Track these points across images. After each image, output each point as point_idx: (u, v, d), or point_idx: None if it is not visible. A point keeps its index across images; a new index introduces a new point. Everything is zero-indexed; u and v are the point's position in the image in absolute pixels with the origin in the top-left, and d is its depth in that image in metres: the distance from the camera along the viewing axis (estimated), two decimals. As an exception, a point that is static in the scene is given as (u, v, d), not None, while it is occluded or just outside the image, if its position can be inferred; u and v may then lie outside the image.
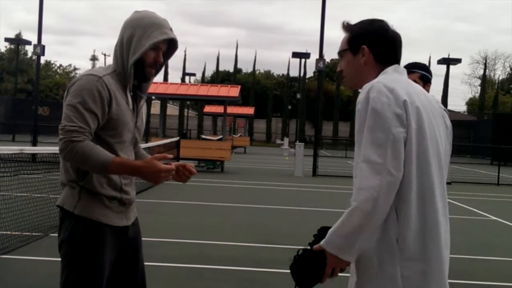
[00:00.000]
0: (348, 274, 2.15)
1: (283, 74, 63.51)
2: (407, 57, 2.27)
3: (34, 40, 18.84)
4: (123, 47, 2.47)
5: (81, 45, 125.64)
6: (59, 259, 2.49)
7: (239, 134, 41.47)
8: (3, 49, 63.81)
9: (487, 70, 59.31)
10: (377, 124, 1.93)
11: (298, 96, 51.28)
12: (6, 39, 39.01)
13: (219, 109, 32.55)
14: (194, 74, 56.75)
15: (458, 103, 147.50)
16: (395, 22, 2.26)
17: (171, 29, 2.52)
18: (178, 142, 17.14)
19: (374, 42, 2.16)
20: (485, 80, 55.49)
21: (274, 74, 68.06)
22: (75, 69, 72.23)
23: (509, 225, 10.07)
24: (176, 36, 2.54)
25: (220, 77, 56.99)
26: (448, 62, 37.18)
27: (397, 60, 2.19)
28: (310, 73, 60.88)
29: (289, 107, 55.05)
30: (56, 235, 2.53)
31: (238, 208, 10.41)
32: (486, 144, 34.24)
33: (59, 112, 2.43)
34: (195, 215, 9.40)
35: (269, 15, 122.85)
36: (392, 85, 2.00)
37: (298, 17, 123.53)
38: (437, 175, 2.07)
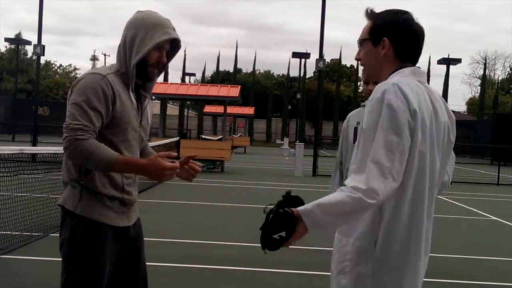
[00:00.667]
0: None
1: (283, 74, 63.52)
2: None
3: (34, 40, 18.86)
4: (126, 47, 2.48)
5: (81, 45, 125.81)
6: (59, 259, 2.50)
7: (239, 134, 41.46)
8: (3, 49, 63.83)
9: (487, 70, 59.39)
10: (391, 127, 1.92)
11: (298, 96, 51.30)
12: (6, 39, 39.11)
13: (219, 109, 32.55)
14: (194, 74, 56.85)
15: (458, 103, 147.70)
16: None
17: (174, 29, 2.53)
18: (178, 142, 17.14)
19: (396, 36, 2.10)
20: (485, 80, 55.48)
21: (274, 74, 68.07)
22: (75, 69, 72.24)
23: (509, 225, 10.06)
24: (179, 35, 2.55)
25: (220, 77, 56.97)
26: (448, 62, 37.22)
27: (417, 56, 2.15)
28: (310, 73, 60.92)
29: (289, 107, 55.04)
30: (56, 235, 2.54)
31: (238, 208, 10.41)
32: (486, 144, 34.22)
33: (59, 112, 2.42)
34: (195, 215, 9.40)
35: (269, 15, 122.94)
36: (406, 91, 1.97)
37: (298, 17, 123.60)
38: (429, 190, 2.06)
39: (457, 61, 37.64)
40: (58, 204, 2.51)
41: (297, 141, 23.49)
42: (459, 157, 31.38)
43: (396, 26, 2.10)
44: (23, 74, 56.33)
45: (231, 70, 59.95)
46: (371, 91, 3.71)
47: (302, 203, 2.02)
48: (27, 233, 6.71)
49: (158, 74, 2.59)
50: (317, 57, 19.89)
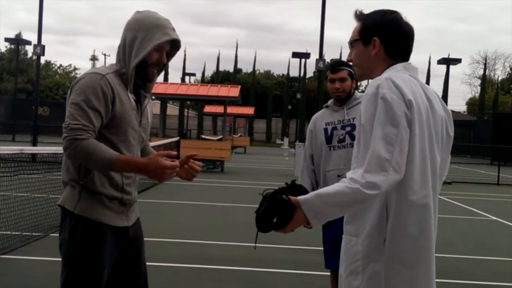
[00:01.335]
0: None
1: (283, 74, 63.52)
2: (407, 56, 2.25)
3: (34, 40, 18.85)
4: (125, 48, 2.48)
5: (81, 45, 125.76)
6: (59, 259, 2.50)
7: (239, 134, 41.48)
8: (3, 49, 63.80)
9: (487, 70, 59.35)
10: (388, 120, 1.94)
11: (298, 96, 51.29)
12: (6, 39, 39.03)
13: (219, 109, 32.58)
14: (194, 74, 56.78)
15: (458, 103, 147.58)
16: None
17: (173, 29, 2.52)
18: (178, 142, 17.14)
19: (386, 35, 2.13)
20: (485, 80, 55.47)
21: (274, 74, 68.05)
22: (75, 69, 72.16)
23: (509, 225, 10.06)
24: (179, 36, 2.54)
25: (220, 77, 56.99)
26: (448, 62, 37.21)
27: (407, 54, 2.17)
28: (310, 73, 60.91)
29: (289, 107, 55.05)
30: (56, 235, 2.54)
31: (238, 208, 10.41)
32: (486, 144, 34.21)
33: (59, 112, 2.42)
34: (195, 215, 9.40)
35: (269, 15, 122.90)
36: (400, 84, 2.00)
37: (298, 17, 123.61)
38: (432, 183, 2.06)
39: (457, 61, 37.61)
40: (57, 204, 2.51)
41: (297, 141, 23.47)
42: (459, 157, 31.39)
43: (385, 26, 2.13)
44: (23, 74, 56.29)
45: (231, 70, 59.95)
46: (337, 88, 3.86)
47: (305, 193, 2.04)
48: (27, 233, 6.71)
49: (158, 74, 2.59)
50: (317, 57, 19.89)
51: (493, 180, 18.88)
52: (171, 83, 21.06)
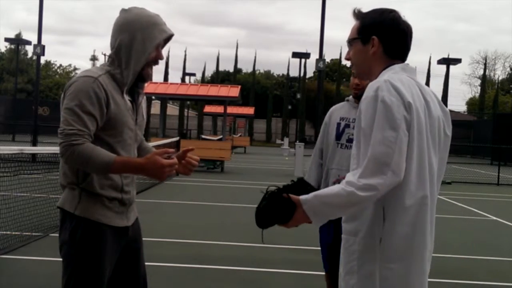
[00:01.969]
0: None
1: (283, 74, 63.51)
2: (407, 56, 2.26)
3: (34, 40, 18.85)
4: (122, 51, 2.43)
5: (81, 45, 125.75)
6: (59, 259, 2.49)
7: (239, 134, 41.46)
8: (3, 49, 63.82)
9: (487, 70, 59.33)
10: (387, 123, 1.94)
11: (298, 96, 51.29)
12: (6, 39, 39.03)
13: (219, 109, 32.54)
14: (194, 74, 56.76)
15: (458, 103, 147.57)
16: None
17: (165, 23, 2.51)
18: (178, 142, 17.14)
19: (384, 34, 2.13)
20: (485, 80, 55.45)
21: (274, 74, 68.06)
22: (75, 69, 72.21)
23: (509, 225, 10.06)
24: (171, 29, 2.53)
25: (220, 77, 56.95)
26: (448, 62, 37.19)
27: (405, 53, 2.17)
28: (310, 73, 60.92)
29: (289, 107, 55.03)
30: (56, 235, 2.53)
31: (238, 208, 10.41)
32: (486, 144, 34.20)
33: (59, 112, 2.42)
34: (195, 215, 9.40)
35: (269, 15, 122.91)
36: (399, 86, 2.00)
37: (298, 17, 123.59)
38: (430, 184, 2.07)
39: (457, 61, 37.58)
40: (57, 206, 2.50)
41: (297, 141, 23.47)
42: (459, 157, 31.33)
43: (384, 25, 2.13)
44: (23, 74, 56.31)
45: (231, 70, 59.92)
46: (357, 84, 3.70)
47: (312, 191, 2.07)
48: (27, 233, 6.71)
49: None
50: (317, 57, 19.89)
51: (493, 180, 18.87)
52: (171, 83, 21.06)
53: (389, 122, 1.94)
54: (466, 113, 59.63)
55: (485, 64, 57.58)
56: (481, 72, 58.84)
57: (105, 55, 63.51)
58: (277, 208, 2.03)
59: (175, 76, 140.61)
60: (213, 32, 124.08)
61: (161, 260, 5.95)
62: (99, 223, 2.41)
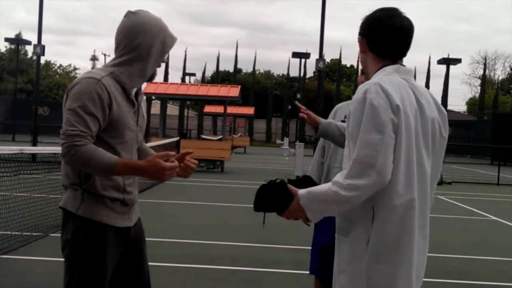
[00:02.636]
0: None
1: (283, 74, 63.51)
2: (407, 57, 2.25)
3: (34, 40, 18.85)
4: (140, 54, 2.44)
5: (81, 45, 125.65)
6: (59, 259, 2.51)
7: (239, 134, 41.46)
8: (3, 49, 63.79)
9: (487, 70, 59.34)
10: (373, 126, 1.97)
11: (298, 96, 51.28)
12: (6, 39, 38.98)
13: (219, 109, 32.55)
14: (194, 74, 56.74)
15: (458, 103, 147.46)
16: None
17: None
18: (178, 142, 17.14)
19: (370, 33, 2.16)
20: (485, 80, 55.43)
21: (274, 74, 68.04)
22: (75, 69, 72.17)
23: (509, 225, 10.07)
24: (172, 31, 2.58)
25: (220, 77, 56.95)
26: (448, 62, 37.16)
27: (397, 53, 2.16)
28: (310, 73, 60.91)
29: (289, 107, 55.03)
30: (56, 235, 2.54)
31: (238, 208, 10.41)
32: (486, 144, 34.21)
33: (59, 112, 2.42)
34: (195, 215, 9.40)
35: (269, 15, 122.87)
36: (388, 88, 2.01)
37: (298, 17, 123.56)
38: (419, 187, 2.08)
39: (457, 61, 37.54)
40: (59, 206, 2.51)
41: (297, 141, 23.46)
42: (459, 157, 31.36)
43: (369, 24, 2.17)
44: (23, 74, 56.28)
45: (231, 70, 59.92)
46: (362, 82, 3.65)
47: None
48: (27, 233, 6.71)
49: None
50: (317, 57, 19.88)
51: (493, 180, 18.88)
52: (171, 83, 21.06)
53: (375, 124, 1.96)
54: (466, 113, 59.64)
55: (485, 64, 57.61)
56: (481, 72, 58.88)
57: (105, 55, 63.56)
58: (276, 195, 2.12)
59: (175, 76, 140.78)
60: (213, 32, 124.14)
61: (161, 260, 5.95)
62: (101, 223, 2.42)
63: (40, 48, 18.35)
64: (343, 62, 60.61)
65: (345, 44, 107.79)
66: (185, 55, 57.68)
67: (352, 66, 63.13)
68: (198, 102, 43.80)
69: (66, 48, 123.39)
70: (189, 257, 6.29)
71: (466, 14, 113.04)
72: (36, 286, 5.04)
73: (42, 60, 30.40)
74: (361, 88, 2.05)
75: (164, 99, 21.23)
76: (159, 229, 7.71)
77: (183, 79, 54.42)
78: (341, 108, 3.82)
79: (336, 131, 3.23)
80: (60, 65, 76.11)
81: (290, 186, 2.13)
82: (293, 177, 2.34)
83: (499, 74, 78.25)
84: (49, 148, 8.66)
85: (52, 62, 69.68)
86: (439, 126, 2.16)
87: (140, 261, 2.62)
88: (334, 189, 1.98)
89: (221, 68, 59.94)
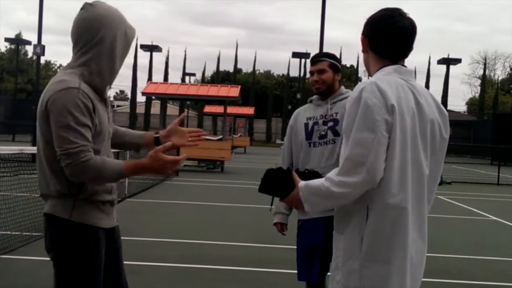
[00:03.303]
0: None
1: (283, 74, 63.48)
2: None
3: (34, 40, 18.88)
4: (102, 49, 2.33)
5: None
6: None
7: (239, 134, 41.44)
8: (3, 49, 63.82)
9: (487, 70, 59.32)
10: (366, 125, 1.98)
11: (298, 96, 51.26)
12: (6, 39, 39.09)
13: (219, 109, 32.54)
14: (194, 74, 56.78)
15: (458, 103, 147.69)
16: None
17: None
18: (178, 142, 17.10)
19: (371, 33, 2.17)
20: (485, 80, 55.41)
21: (274, 74, 68.00)
22: (75, 69, 72.06)
23: (509, 225, 10.06)
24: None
25: (220, 77, 56.94)
26: (448, 62, 37.23)
27: (397, 53, 2.15)
28: (310, 73, 60.82)
29: (289, 107, 55.02)
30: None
31: (238, 208, 10.41)
32: (486, 144, 34.20)
33: (59, 112, 2.37)
34: (195, 215, 9.39)
35: (269, 15, 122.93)
36: (384, 88, 2.01)
37: (298, 17, 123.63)
38: (414, 187, 2.08)
39: (457, 61, 37.65)
40: (44, 213, 2.41)
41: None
42: (459, 157, 31.43)
43: (370, 24, 2.18)
44: (23, 74, 56.29)
45: (231, 70, 59.90)
46: (315, 81, 3.67)
47: None
48: (27, 233, 6.71)
49: None
50: (317, 57, 19.87)
51: (493, 180, 18.87)
52: (171, 83, 21.07)
53: (368, 123, 1.98)
54: (466, 113, 59.64)
55: (485, 64, 57.60)
56: (481, 72, 58.86)
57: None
58: (280, 181, 2.22)
59: (175, 76, 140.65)
60: (213, 32, 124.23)
61: (161, 260, 5.95)
62: (95, 226, 2.39)
63: (40, 48, 18.36)
64: (343, 62, 60.51)
65: (345, 44, 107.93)
66: (185, 55, 57.86)
67: (352, 66, 63.10)
68: (198, 102, 43.78)
69: (66, 48, 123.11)
70: (189, 257, 6.29)
71: (466, 14, 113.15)
72: (36, 286, 5.04)
73: (42, 60, 30.42)
74: (357, 87, 2.06)
75: (164, 99, 21.23)
76: (159, 229, 7.71)
77: (183, 79, 54.42)
78: (301, 112, 3.68)
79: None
80: (60, 65, 75.94)
81: (295, 176, 2.20)
82: (302, 170, 2.38)
83: (499, 74, 78.09)
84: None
85: (52, 62, 69.79)
86: (439, 127, 2.15)
87: (117, 261, 2.57)
88: (326, 185, 2.03)
89: (221, 68, 59.96)
